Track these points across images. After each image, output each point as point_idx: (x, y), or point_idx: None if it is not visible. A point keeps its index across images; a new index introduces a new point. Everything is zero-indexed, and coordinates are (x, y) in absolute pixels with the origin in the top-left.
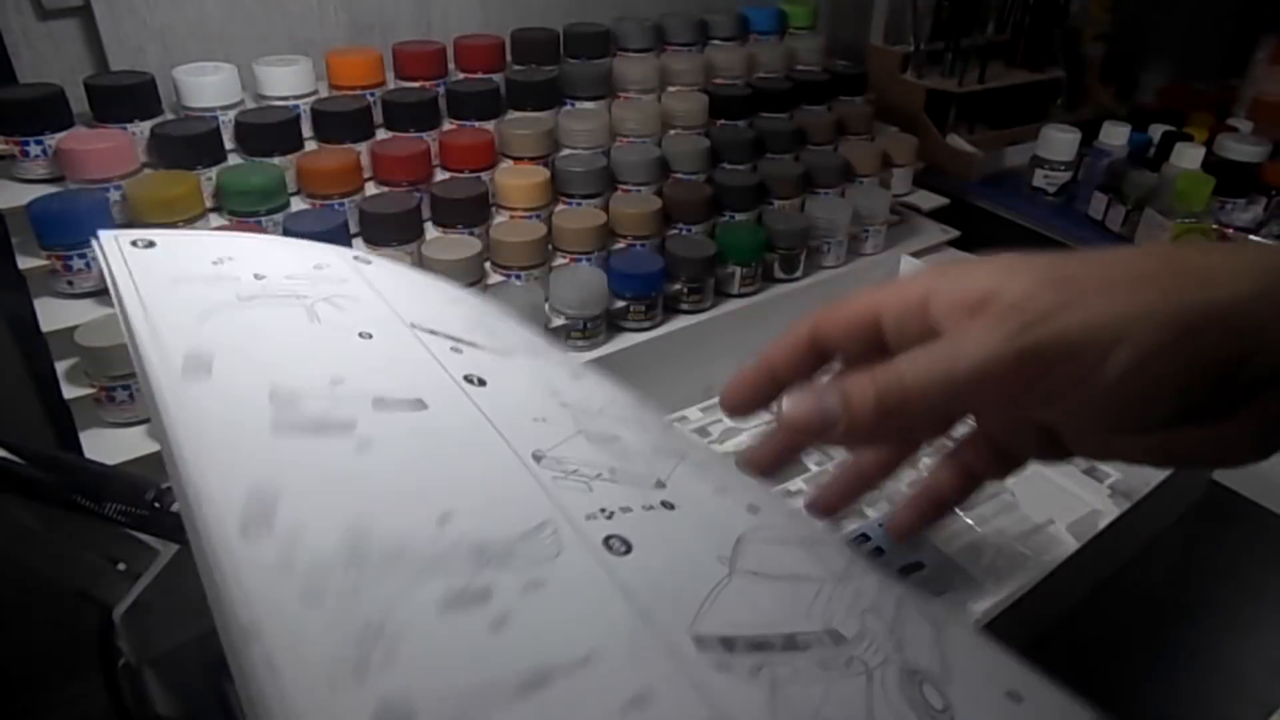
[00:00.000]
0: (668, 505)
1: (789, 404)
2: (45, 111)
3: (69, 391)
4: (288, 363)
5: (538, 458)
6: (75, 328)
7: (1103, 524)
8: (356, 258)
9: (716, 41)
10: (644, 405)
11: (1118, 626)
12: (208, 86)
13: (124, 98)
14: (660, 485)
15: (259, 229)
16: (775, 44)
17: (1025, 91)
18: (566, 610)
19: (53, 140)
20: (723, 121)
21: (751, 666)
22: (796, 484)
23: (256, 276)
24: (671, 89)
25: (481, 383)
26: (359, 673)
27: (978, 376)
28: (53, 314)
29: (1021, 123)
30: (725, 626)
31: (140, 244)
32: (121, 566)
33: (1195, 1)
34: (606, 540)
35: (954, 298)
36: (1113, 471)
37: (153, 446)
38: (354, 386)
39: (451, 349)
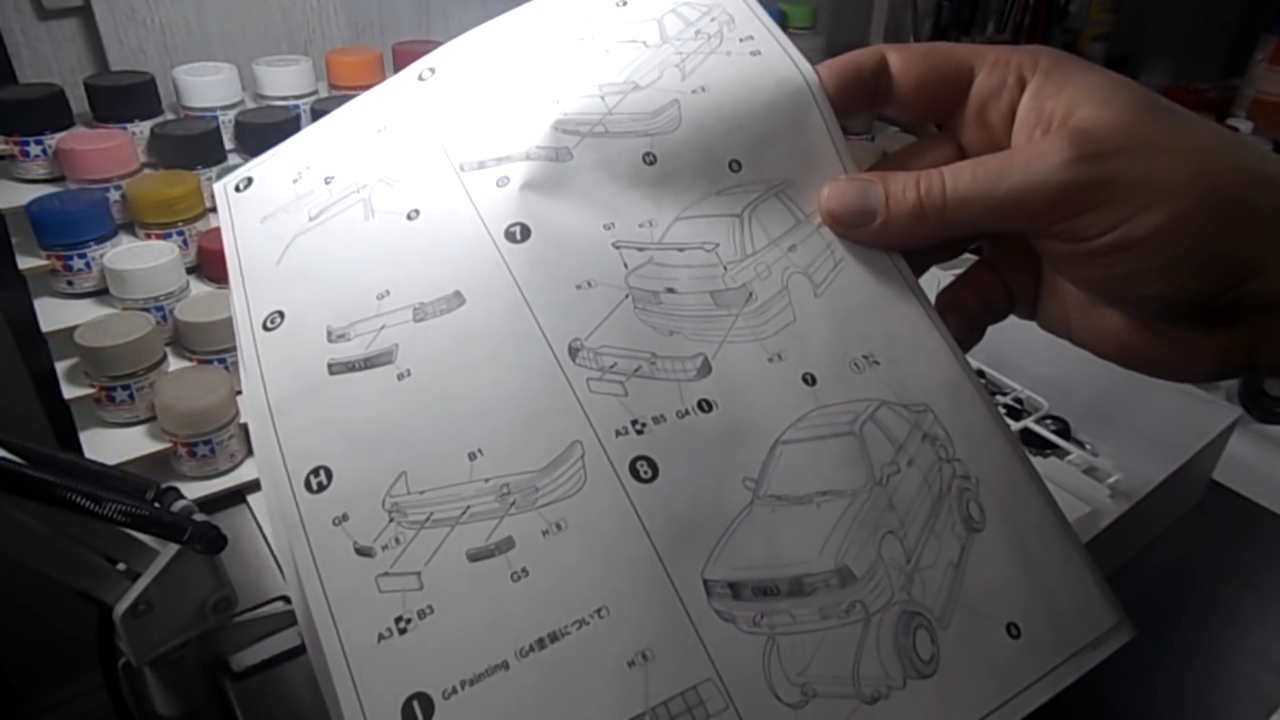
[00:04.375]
0: (704, 406)
1: (831, 192)
2: (45, 111)
3: (69, 391)
4: (343, 287)
5: (574, 351)
6: (75, 328)
7: (1103, 524)
8: (421, 77)
9: None
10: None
11: None
12: (208, 86)
13: (124, 98)
14: (703, 370)
15: None
16: None
17: None
18: (585, 556)
19: (53, 140)
20: None
21: (754, 616)
22: None
23: (326, 181)
24: None
25: (525, 234)
26: (401, 624)
27: (1016, 199)
28: (53, 314)
29: None
30: (736, 569)
31: (241, 186)
32: (121, 566)
33: (1196, 1)
34: (633, 464)
35: (1040, 108)
36: (1113, 472)
37: (152, 446)
38: (398, 297)
39: (498, 183)
